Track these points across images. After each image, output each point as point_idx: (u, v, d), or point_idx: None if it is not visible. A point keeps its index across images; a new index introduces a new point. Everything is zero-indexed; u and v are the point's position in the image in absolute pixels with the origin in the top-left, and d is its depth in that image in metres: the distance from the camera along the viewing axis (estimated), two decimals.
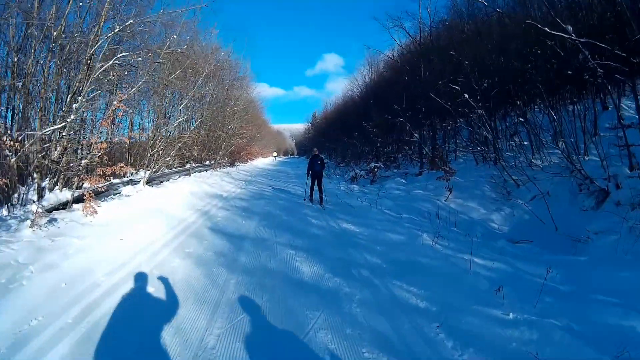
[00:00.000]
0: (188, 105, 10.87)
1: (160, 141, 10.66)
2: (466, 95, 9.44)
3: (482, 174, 10.25)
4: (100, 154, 6.38)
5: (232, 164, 23.53)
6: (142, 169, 10.50)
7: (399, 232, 6.45)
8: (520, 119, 9.45)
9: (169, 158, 10.39)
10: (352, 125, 25.36)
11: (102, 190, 6.83)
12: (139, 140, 9.81)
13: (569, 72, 7.74)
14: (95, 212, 6.49)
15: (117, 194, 9.34)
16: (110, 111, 6.40)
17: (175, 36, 9.37)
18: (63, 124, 5.58)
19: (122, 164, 6.87)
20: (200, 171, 16.17)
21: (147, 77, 7.48)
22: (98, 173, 6.43)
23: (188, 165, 14.91)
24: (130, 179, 10.19)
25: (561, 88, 9.81)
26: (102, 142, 6.39)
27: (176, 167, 13.95)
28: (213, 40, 15.46)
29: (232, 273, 4.30)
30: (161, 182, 11.70)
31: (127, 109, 7.99)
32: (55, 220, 5.89)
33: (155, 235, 5.67)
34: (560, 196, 6.75)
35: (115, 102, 6.34)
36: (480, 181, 9.68)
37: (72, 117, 5.63)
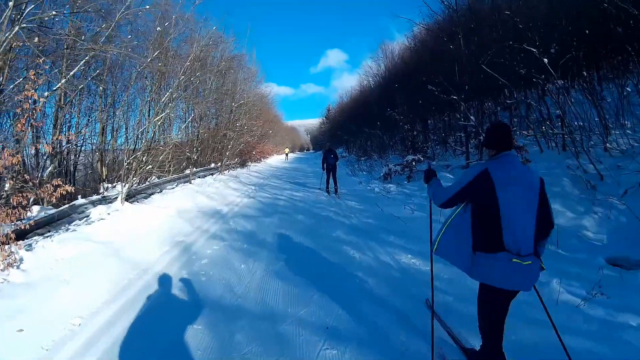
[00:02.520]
0: (175, 97, 8.42)
1: (144, 145, 8.31)
2: (545, 60, 6.81)
3: (552, 164, 7.61)
4: (12, 172, 4.01)
5: (243, 165, 21.14)
6: (121, 182, 8.17)
7: None
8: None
9: (150, 166, 7.97)
10: (373, 114, 22.83)
11: (28, 226, 4.44)
12: (106, 146, 7.41)
13: None
14: (14, 263, 4.17)
15: (84, 218, 7.08)
16: (23, 105, 3.99)
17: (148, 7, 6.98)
18: None
19: (58, 182, 4.49)
20: (204, 176, 13.83)
21: (93, 53, 5.01)
22: (12, 203, 4.09)
23: (188, 171, 12.57)
24: (104, 197, 7.89)
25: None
26: (15, 157, 3.96)
27: (172, 175, 11.64)
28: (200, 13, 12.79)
29: None
30: (150, 195, 9.37)
31: (41, 102, 5.53)
32: None
33: (84, 315, 3.23)
34: None
35: (29, 91, 3.91)
36: (555, 173, 7.09)
37: None
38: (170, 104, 8.00)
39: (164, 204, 7.92)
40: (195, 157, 12.77)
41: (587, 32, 7.59)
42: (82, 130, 8.86)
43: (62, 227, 6.36)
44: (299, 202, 9.16)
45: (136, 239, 5.31)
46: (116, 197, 7.85)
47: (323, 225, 6.51)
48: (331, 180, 11.07)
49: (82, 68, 5.55)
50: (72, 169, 9.76)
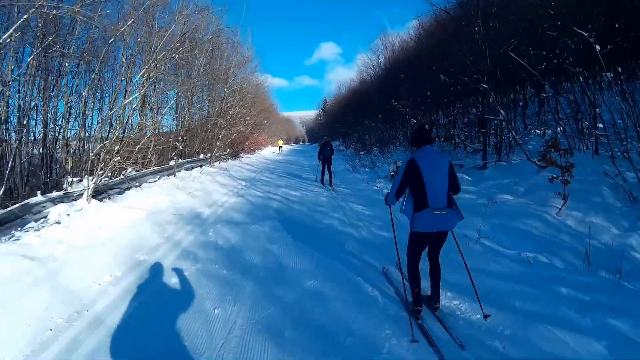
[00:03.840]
0: (153, 76, 7.14)
1: (115, 132, 7.06)
2: (598, 47, 5.67)
3: (587, 169, 6.47)
4: None
5: (235, 156, 19.86)
6: (90, 175, 6.90)
7: (569, 321, 2.84)
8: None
9: (119, 158, 6.70)
10: (372, 106, 21.71)
11: None
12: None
13: None
14: None
15: (41, 219, 5.92)
16: None
17: None
18: None
19: None
20: (191, 168, 12.58)
21: (33, 10, 3.76)
22: None
23: (173, 162, 11.32)
24: (66, 193, 6.66)
25: None
26: None
27: (154, 167, 10.39)
28: None
29: None
30: (125, 190, 8.14)
31: None
32: None
33: None
34: None
35: None
36: (591, 180, 6.05)
37: None
38: (146, 84, 6.74)
39: (135, 203, 6.71)
40: (182, 147, 11.50)
41: (616, 25, 6.51)
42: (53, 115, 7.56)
43: (11, 233, 5.20)
44: (295, 205, 7.94)
45: (86, 254, 4.11)
46: (81, 194, 6.65)
47: (326, 238, 5.32)
48: (326, 173, 11.21)
49: (20, 30, 4.26)
50: (49, 159, 8.49)
